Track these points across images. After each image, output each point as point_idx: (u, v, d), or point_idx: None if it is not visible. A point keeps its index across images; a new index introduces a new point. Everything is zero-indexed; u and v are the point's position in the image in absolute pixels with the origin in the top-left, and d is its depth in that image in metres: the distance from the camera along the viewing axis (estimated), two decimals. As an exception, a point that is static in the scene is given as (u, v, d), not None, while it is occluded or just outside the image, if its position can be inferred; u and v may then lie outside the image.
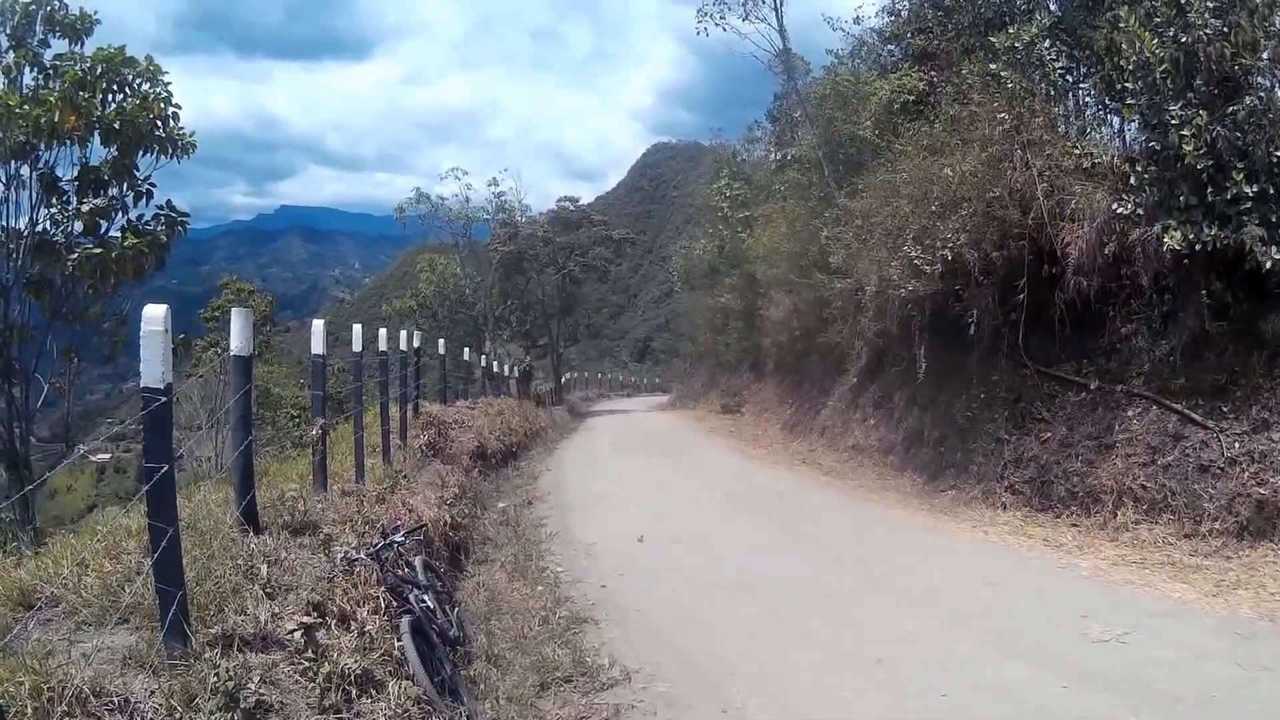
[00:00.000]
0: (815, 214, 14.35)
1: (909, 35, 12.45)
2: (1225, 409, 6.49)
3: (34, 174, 6.75)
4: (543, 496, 10.26)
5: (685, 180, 72.69)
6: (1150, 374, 7.27)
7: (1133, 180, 7.12)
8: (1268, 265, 6.13)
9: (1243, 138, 6.34)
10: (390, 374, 8.36)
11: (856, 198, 11.51)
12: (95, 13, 7.00)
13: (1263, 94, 6.41)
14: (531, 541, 7.57)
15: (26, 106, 6.40)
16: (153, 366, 2.67)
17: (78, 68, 6.68)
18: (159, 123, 6.93)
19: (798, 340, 16.12)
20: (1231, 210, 6.33)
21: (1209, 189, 6.44)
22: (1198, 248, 6.47)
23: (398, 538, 4.45)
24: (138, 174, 7.02)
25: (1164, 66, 6.59)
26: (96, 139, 6.75)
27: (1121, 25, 6.86)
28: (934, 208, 8.90)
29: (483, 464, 11.11)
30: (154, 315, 2.67)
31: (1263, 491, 5.89)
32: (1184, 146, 6.42)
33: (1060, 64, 8.49)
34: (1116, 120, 8.45)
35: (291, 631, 3.18)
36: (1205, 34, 6.38)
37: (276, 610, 3.37)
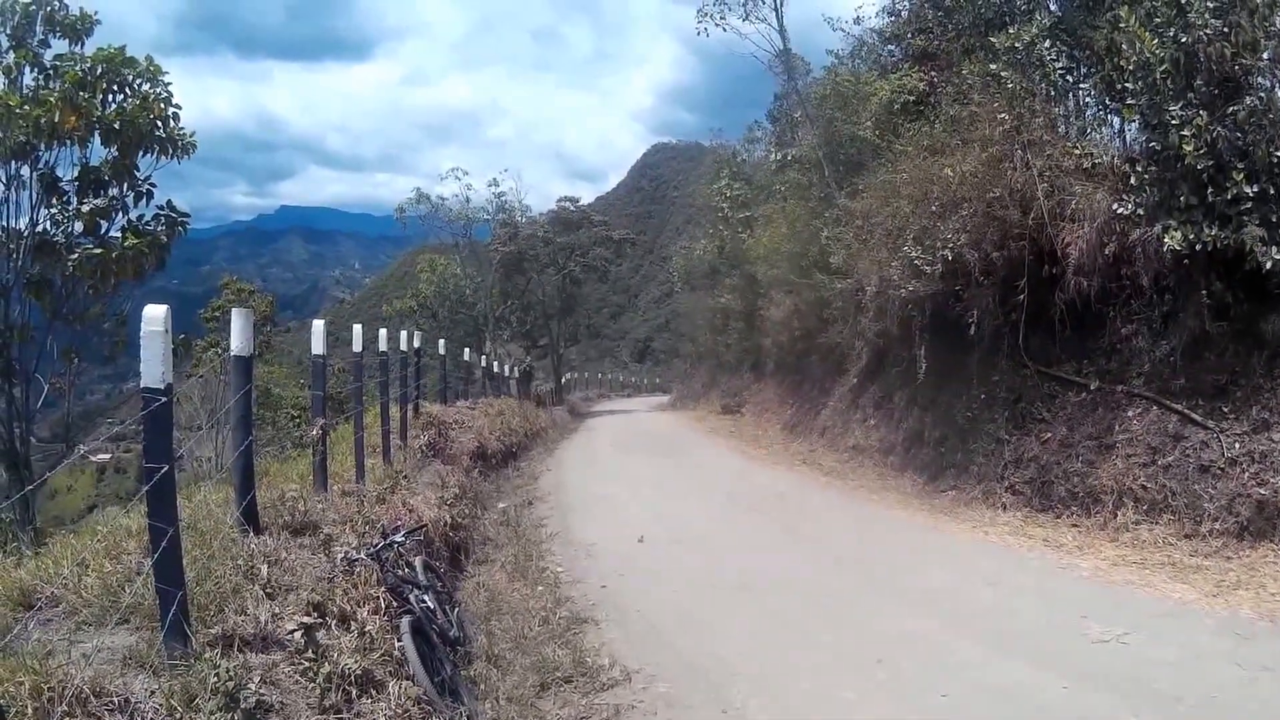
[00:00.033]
0: (815, 214, 14.35)
1: (909, 35, 12.45)
2: (1225, 409, 6.49)
3: (34, 174, 6.75)
4: (543, 497, 10.26)
5: (685, 181, 72.71)
6: (1150, 374, 7.27)
7: (1133, 180, 7.12)
8: (1268, 265, 6.13)
9: (1243, 138, 6.34)
10: (390, 374, 8.36)
11: (857, 198, 11.51)
12: (95, 13, 7.02)
13: (1263, 94, 6.41)
14: (532, 542, 7.57)
15: (27, 107, 6.40)
16: (153, 367, 2.67)
17: (78, 68, 6.69)
18: (159, 123, 6.93)
19: (798, 340, 16.12)
20: (1232, 210, 6.33)
21: (1209, 189, 6.44)
22: (1198, 248, 6.46)
23: (398, 538, 4.45)
24: (138, 174, 7.02)
25: (1164, 67, 6.59)
26: (97, 139, 6.76)
27: (1122, 25, 6.86)
28: (934, 208, 8.90)
29: (483, 464, 11.11)
30: (154, 315, 2.67)
31: (1263, 492, 5.89)
32: (1184, 147, 6.42)
33: (1060, 64, 8.49)
34: (1117, 120, 8.45)
35: (292, 632, 3.18)
36: (1205, 34, 6.38)
37: (277, 610, 3.37)
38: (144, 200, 7.10)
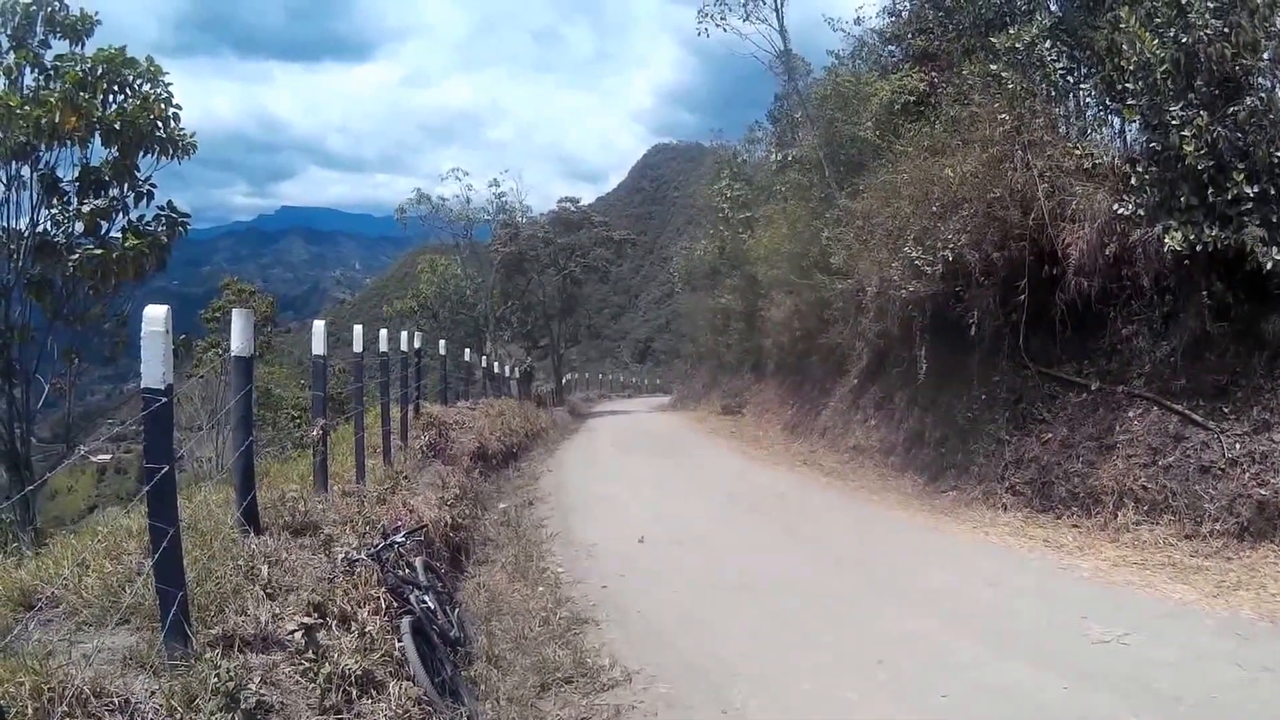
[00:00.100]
0: (816, 215, 14.35)
1: (910, 36, 12.46)
2: (1226, 410, 6.49)
3: (35, 175, 6.77)
4: (543, 497, 10.25)
5: (686, 181, 72.72)
6: (1151, 375, 7.27)
7: (1133, 181, 7.12)
8: (1268, 266, 6.13)
9: (1243, 138, 6.34)
10: (391, 375, 8.36)
11: (857, 198, 11.51)
12: (96, 14, 7.04)
13: (1263, 94, 6.41)
14: (532, 542, 7.56)
15: (27, 107, 6.41)
16: (153, 367, 2.67)
17: (78, 68, 6.70)
18: (160, 123, 6.94)
19: (799, 341, 16.12)
20: (1232, 211, 6.33)
21: (1210, 190, 6.44)
22: (1199, 248, 6.46)
23: (398, 538, 4.45)
24: (138, 175, 7.04)
25: (1165, 67, 6.59)
26: (97, 140, 6.77)
27: (1122, 26, 6.86)
28: (935, 208, 8.90)
29: (483, 465, 11.10)
30: (155, 316, 2.67)
31: (1263, 492, 5.89)
32: (1185, 147, 6.42)
33: (1061, 65, 8.49)
34: (1117, 121, 8.46)
35: (292, 632, 3.19)
36: (1206, 34, 6.38)
37: (277, 611, 3.37)
38: (144, 201, 7.12)
